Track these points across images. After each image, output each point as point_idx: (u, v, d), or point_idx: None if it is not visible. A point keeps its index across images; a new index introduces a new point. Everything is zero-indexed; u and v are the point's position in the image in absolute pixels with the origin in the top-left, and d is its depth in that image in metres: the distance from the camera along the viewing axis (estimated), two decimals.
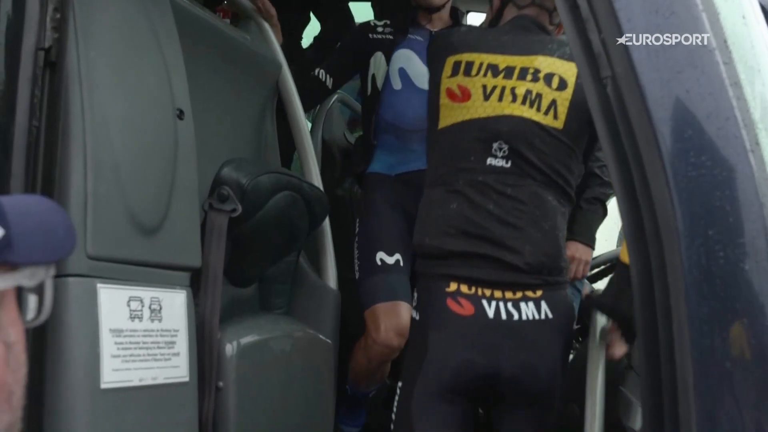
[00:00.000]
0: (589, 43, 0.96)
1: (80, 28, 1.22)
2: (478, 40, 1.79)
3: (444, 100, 1.72)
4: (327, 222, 2.04)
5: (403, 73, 2.49)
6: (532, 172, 1.66)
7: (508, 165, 1.65)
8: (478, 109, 1.69)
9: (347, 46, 2.62)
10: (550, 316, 1.58)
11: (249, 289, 1.84)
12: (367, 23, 2.62)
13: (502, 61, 1.74)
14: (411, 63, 2.50)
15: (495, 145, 1.67)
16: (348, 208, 2.78)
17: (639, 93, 0.92)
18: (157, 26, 1.45)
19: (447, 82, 1.72)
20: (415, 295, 1.68)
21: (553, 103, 1.74)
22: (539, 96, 1.72)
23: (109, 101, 1.25)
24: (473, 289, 1.58)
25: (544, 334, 1.58)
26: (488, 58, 1.73)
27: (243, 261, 1.66)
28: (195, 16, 1.68)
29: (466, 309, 1.57)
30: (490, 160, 1.65)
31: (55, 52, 1.15)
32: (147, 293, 1.28)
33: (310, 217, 1.83)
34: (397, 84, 2.49)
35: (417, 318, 1.65)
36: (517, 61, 1.74)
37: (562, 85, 1.75)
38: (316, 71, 2.48)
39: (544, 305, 1.58)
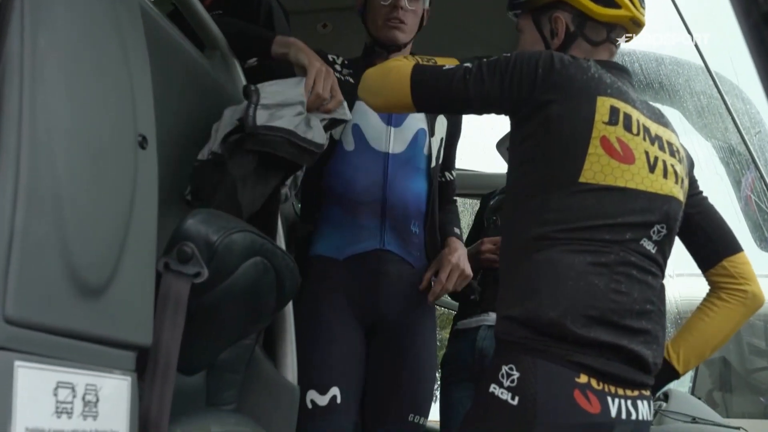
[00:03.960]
0: None
1: (29, 3, 0.88)
2: (612, 84, 1.56)
3: (597, 149, 1.47)
4: (290, 303, 1.69)
5: (357, 131, 2.13)
6: (663, 264, 1.55)
7: (654, 251, 1.52)
8: (644, 179, 1.50)
9: None
10: (649, 418, 1.48)
11: (194, 378, 1.45)
12: (323, 54, 2.19)
13: (650, 125, 1.56)
14: (366, 119, 2.15)
15: (657, 227, 1.51)
16: None
17: None
18: (125, 30, 1.12)
19: (603, 130, 1.48)
20: (513, 372, 1.42)
21: (685, 189, 1.65)
22: (682, 181, 1.62)
23: (56, 107, 0.91)
24: (601, 385, 1.40)
25: None
26: (639, 116, 1.54)
27: (195, 341, 1.28)
28: (164, 30, 1.36)
29: (594, 406, 1.39)
30: (644, 242, 1.50)
31: None
32: (81, 378, 0.91)
33: (278, 292, 1.48)
34: (349, 144, 2.13)
35: (515, 403, 1.39)
36: (660, 131, 1.59)
37: (688, 170, 1.68)
38: None
39: (649, 406, 1.48)
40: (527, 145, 1.54)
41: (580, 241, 1.45)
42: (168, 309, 1.15)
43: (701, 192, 1.75)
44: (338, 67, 2.20)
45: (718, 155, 3.30)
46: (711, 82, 2.22)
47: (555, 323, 1.40)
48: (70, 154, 0.92)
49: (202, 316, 1.26)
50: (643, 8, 1.72)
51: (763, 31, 0.68)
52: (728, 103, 2.17)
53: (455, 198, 2.46)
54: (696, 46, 2.00)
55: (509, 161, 1.66)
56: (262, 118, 1.58)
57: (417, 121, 2.23)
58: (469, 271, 2.17)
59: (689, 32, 2.09)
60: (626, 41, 1.76)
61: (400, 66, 1.62)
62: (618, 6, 1.67)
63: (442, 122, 2.30)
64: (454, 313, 2.94)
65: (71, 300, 0.89)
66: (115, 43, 1.08)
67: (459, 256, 2.16)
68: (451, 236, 2.27)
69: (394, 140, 2.17)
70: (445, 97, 1.60)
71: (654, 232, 1.51)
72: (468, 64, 1.57)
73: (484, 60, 1.58)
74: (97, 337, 0.95)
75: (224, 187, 1.55)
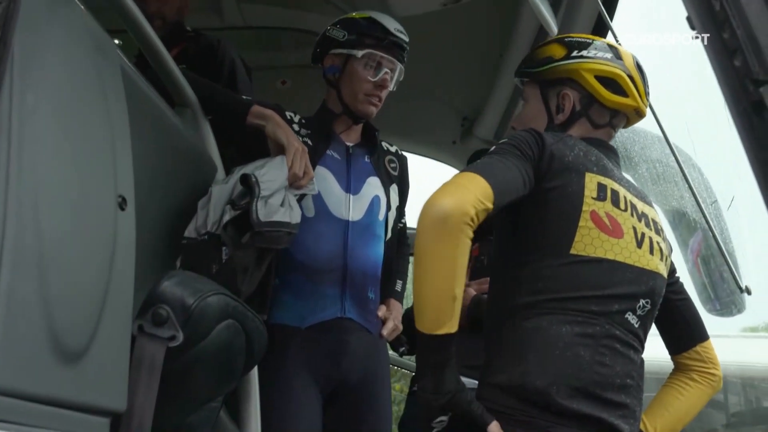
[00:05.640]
0: None
1: (18, 59, 0.87)
2: (597, 161, 1.60)
3: (588, 222, 1.50)
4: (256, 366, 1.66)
5: (317, 197, 2.09)
6: (643, 340, 1.57)
7: (637, 326, 1.53)
8: (632, 254, 1.54)
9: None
10: None
11: None
12: (281, 110, 2.14)
13: (637, 202, 1.61)
14: (327, 186, 2.13)
15: (642, 302, 1.54)
16: None
17: None
18: (108, 89, 1.12)
19: (593, 204, 1.52)
20: None
21: (668, 267, 1.69)
22: (666, 258, 1.65)
23: (42, 165, 0.89)
24: None
25: None
26: (626, 194, 1.58)
27: (164, 404, 1.25)
28: (141, 89, 1.36)
29: None
30: (628, 315, 1.52)
31: None
32: None
33: (247, 355, 1.46)
34: (309, 210, 2.08)
35: None
36: (645, 209, 1.63)
37: (669, 251, 1.70)
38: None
39: None
40: (519, 215, 1.56)
41: (569, 312, 1.46)
42: (142, 373, 1.12)
43: (679, 277, 1.81)
44: (296, 126, 2.18)
45: (667, 219, 3.42)
46: (667, 151, 2.29)
47: (541, 392, 1.40)
48: (54, 213, 0.90)
49: (173, 379, 1.23)
50: (647, 100, 1.77)
51: (752, 118, 0.71)
52: (686, 172, 2.24)
53: (408, 243, 2.47)
54: (657, 120, 2.06)
55: (497, 229, 1.67)
56: (261, 211, 1.63)
57: (373, 188, 2.24)
58: (399, 326, 2.23)
59: (615, 38, 2.15)
60: (624, 127, 1.81)
61: (458, 176, 1.46)
62: (626, 95, 1.71)
63: (395, 191, 2.33)
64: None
65: (51, 366, 0.87)
66: (99, 103, 1.08)
67: (395, 315, 2.25)
68: (389, 297, 2.31)
69: (353, 207, 2.17)
70: (511, 177, 1.48)
71: (639, 307, 1.54)
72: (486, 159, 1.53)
73: (490, 154, 1.55)
74: (73, 403, 0.92)
75: (224, 273, 1.58)
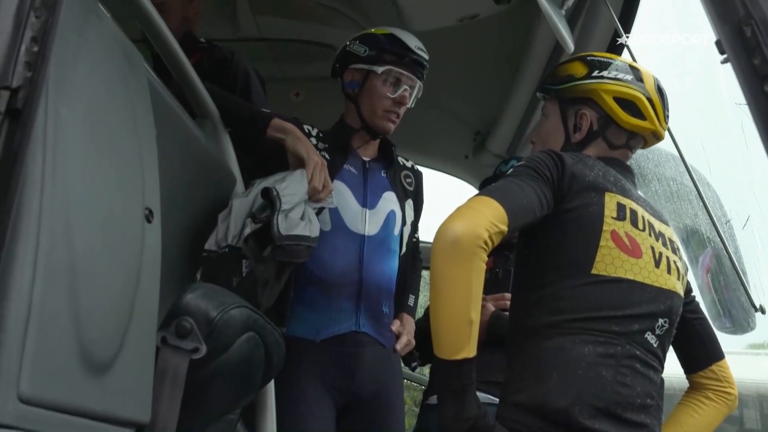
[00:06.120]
0: None
1: (53, 74, 0.88)
2: (616, 181, 1.61)
3: (608, 242, 1.51)
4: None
5: (334, 211, 2.10)
6: (663, 360, 1.57)
7: (656, 345, 1.54)
8: (651, 273, 1.55)
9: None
10: None
11: None
12: (299, 124, 2.13)
13: (654, 222, 1.62)
14: (344, 200, 2.14)
15: (661, 321, 1.54)
16: None
17: None
18: (135, 100, 1.12)
19: (613, 224, 1.53)
20: None
21: (684, 285, 1.70)
22: (682, 278, 1.66)
23: (74, 178, 0.90)
24: None
25: None
26: (644, 213, 1.59)
27: (185, 416, 1.25)
28: (166, 102, 1.36)
29: None
30: (648, 335, 1.52)
31: (23, 97, 0.80)
32: None
33: (266, 367, 1.46)
34: (326, 224, 2.09)
35: None
36: (662, 228, 1.64)
37: (685, 270, 1.71)
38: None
39: None
40: (539, 235, 1.56)
41: (591, 332, 1.47)
42: (166, 384, 1.13)
43: (695, 296, 1.82)
44: (314, 140, 2.18)
45: (680, 237, 3.42)
46: (681, 169, 2.29)
47: (563, 412, 1.40)
48: (84, 226, 0.91)
49: (194, 391, 1.23)
50: (666, 123, 1.78)
51: None
52: (701, 191, 2.24)
53: (421, 258, 2.50)
54: (673, 139, 2.06)
55: (516, 249, 1.67)
56: (282, 225, 1.65)
57: (389, 203, 2.26)
58: (412, 341, 2.23)
59: (631, 54, 2.17)
60: (642, 148, 1.82)
61: (471, 200, 1.47)
62: (644, 118, 1.72)
63: (410, 206, 2.34)
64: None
65: (80, 377, 0.87)
66: (128, 115, 1.08)
67: (408, 330, 2.25)
68: (402, 312, 2.30)
69: (369, 222, 2.19)
70: (526, 199, 1.49)
71: (658, 327, 1.54)
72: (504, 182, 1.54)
73: (506, 177, 1.57)
74: (100, 414, 0.92)
75: (245, 286, 1.59)
